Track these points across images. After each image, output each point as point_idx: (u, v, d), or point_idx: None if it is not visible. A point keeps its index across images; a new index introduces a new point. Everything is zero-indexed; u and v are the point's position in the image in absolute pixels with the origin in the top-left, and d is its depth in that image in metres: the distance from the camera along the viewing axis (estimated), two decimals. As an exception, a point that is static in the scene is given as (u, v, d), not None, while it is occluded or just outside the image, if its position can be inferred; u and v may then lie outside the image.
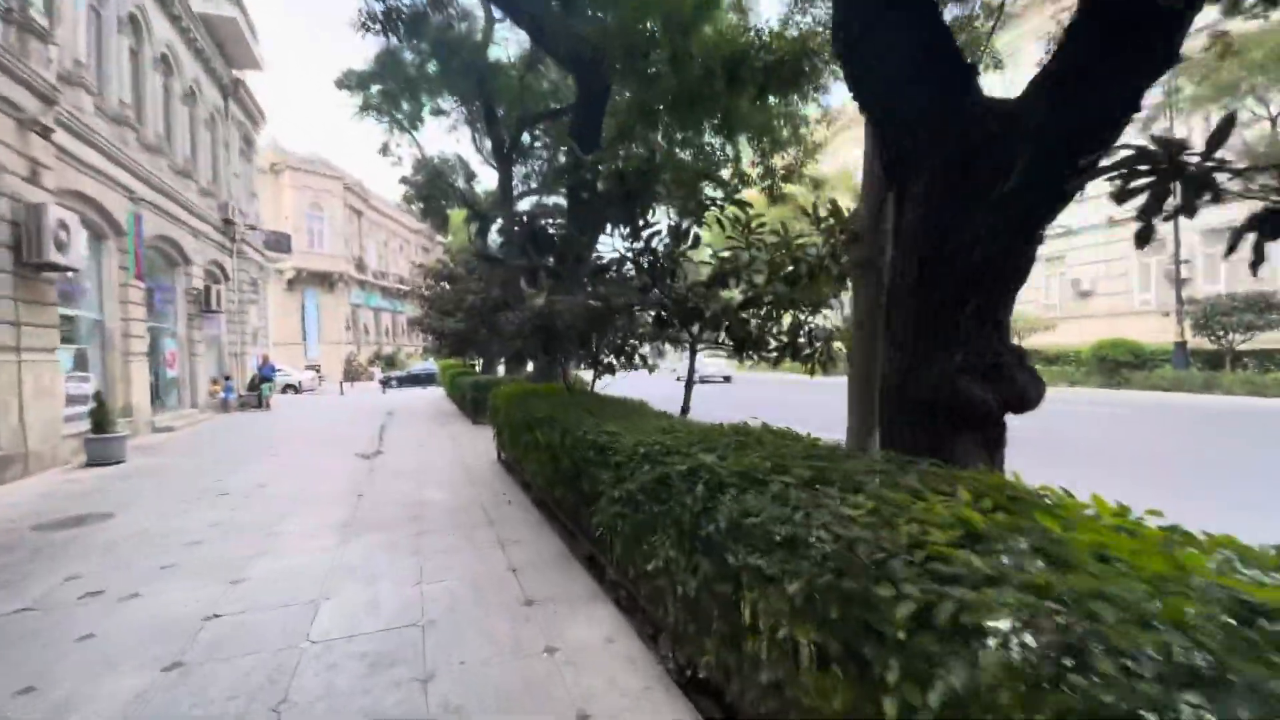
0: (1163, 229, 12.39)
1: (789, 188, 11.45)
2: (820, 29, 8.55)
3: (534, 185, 18.96)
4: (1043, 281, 26.27)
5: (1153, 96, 18.43)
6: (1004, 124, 2.21)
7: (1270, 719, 0.87)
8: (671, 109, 9.23)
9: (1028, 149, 2.06)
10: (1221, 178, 1.69)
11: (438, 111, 18.04)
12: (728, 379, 34.98)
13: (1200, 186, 1.68)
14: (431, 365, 31.08)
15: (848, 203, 4.46)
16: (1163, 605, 1.07)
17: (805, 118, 10.82)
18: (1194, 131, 19.00)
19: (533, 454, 5.52)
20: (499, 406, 7.77)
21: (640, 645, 3.13)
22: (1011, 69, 9.82)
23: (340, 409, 19.20)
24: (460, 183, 21.18)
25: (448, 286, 22.29)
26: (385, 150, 19.39)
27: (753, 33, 9.18)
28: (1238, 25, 7.39)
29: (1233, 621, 1.04)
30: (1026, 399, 2.19)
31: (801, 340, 3.82)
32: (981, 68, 5.76)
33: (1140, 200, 1.77)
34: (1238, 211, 1.70)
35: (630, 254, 4.67)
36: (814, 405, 15.14)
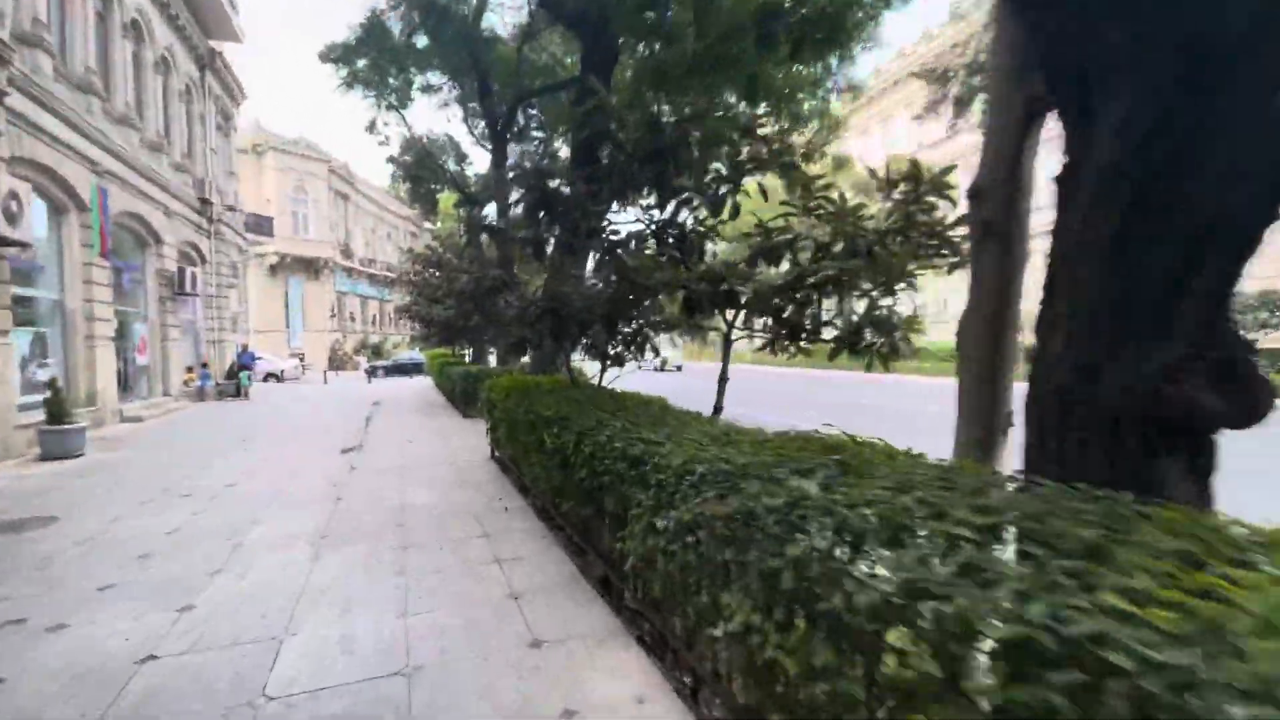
0: None
1: (810, 168, 10.79)
2: None
3: (529, 166, 18.18)
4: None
5: None
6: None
7: None
8: (689, 74, 8.34)
9: None
10: None
11: (428, 88, 17.18)
12: (679, 368, 34.59)
13: None
14: (418, 355, 30.26)
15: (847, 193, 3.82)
16: None
17: (828, 89, 10.04)
18: None
19: (536, 457, 4.86)
20: (495, 400, 7.06)
21: (680, 706, 2.51)
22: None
23: (323, 399, 18.36)
24: (451, 164, 20.35)
25: (437, 274, 21.48)
26: (372, 127, 18.50)
27: None
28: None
29: None
30: (1257, 408, 1.58)
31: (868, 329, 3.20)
32: None
33: None
34: None
35: (653, 226, 4.01)
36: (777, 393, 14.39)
